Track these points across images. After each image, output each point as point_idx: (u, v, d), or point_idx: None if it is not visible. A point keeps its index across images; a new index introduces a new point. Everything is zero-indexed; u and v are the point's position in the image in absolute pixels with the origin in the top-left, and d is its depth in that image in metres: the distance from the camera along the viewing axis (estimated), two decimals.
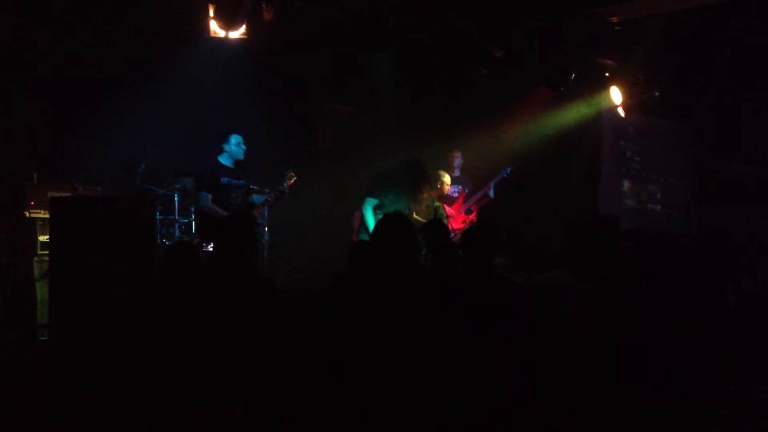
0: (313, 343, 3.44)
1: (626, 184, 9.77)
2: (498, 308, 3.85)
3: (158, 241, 6.88)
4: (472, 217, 8.06)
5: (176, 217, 7.72)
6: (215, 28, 6.76)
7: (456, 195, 8.21)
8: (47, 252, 6.20)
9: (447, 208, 7.79)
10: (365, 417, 3.22)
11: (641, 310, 5.41)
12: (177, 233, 7.68)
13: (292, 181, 6.71)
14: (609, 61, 8.26)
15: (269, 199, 6.73)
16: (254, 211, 6.48)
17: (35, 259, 6.59)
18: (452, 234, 7.39)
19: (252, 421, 3.47)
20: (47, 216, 6.35)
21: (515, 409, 3.75)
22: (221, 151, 6.49)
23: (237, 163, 6.49)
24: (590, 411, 4.17)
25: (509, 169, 8.16)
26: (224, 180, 6.40)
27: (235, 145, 6.46)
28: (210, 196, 6.35)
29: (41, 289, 6.30)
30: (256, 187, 6.76)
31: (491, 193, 8.12)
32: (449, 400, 3.37)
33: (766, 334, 5.66)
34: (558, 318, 4.23)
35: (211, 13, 6.73)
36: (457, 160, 8.36)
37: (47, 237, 6.37)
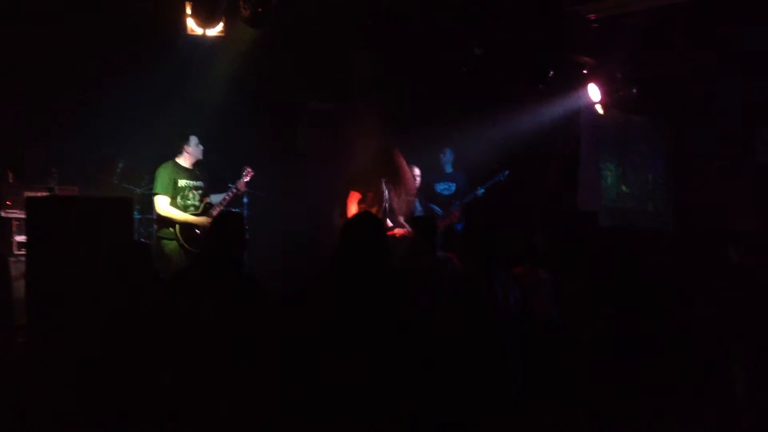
0: (294, 341, 3.45)
1: (605, 182, 9.81)
2: (506, 304, 3.89)
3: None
4: (457, 214, 7.92)
5: (154, 217, 7.67)
6: (192, 26, 6.74)
7: (447, 193, 8.10)
8: (24, 252, 6.14)
9: (436, 207, 7.78)
10: (345, 415, 3.24)
11: (621, 309, 5.43)
12: (155, 233, 7.63)
13: (249, 177, 6.73)
14: (587, 59, 8.30)
15: (226, 197, 6.71)
16: (212, 212, 6.53)
17: (11, 259, 6.53)
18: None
19: (238, 417, 3.47)
20: (23, 216, 6.29)
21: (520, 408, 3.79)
22: (180, 152, 6.52)
23: (195, 163, 6.59)
24: (565, 409, 4.19)
25: (506, 172, 8.00)
26: (182, 182, 6.43)
27: (194, 146, 6.53)
28: (168, 200, 6.39)
29: (18, 290, 6.24)
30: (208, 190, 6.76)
31: (479, 193, 7.94)
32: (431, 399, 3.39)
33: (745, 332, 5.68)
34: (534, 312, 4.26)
35: (188, 11, 6.70)
36: (446, 156, 8.21)
37: (24, 237, 6.31)
